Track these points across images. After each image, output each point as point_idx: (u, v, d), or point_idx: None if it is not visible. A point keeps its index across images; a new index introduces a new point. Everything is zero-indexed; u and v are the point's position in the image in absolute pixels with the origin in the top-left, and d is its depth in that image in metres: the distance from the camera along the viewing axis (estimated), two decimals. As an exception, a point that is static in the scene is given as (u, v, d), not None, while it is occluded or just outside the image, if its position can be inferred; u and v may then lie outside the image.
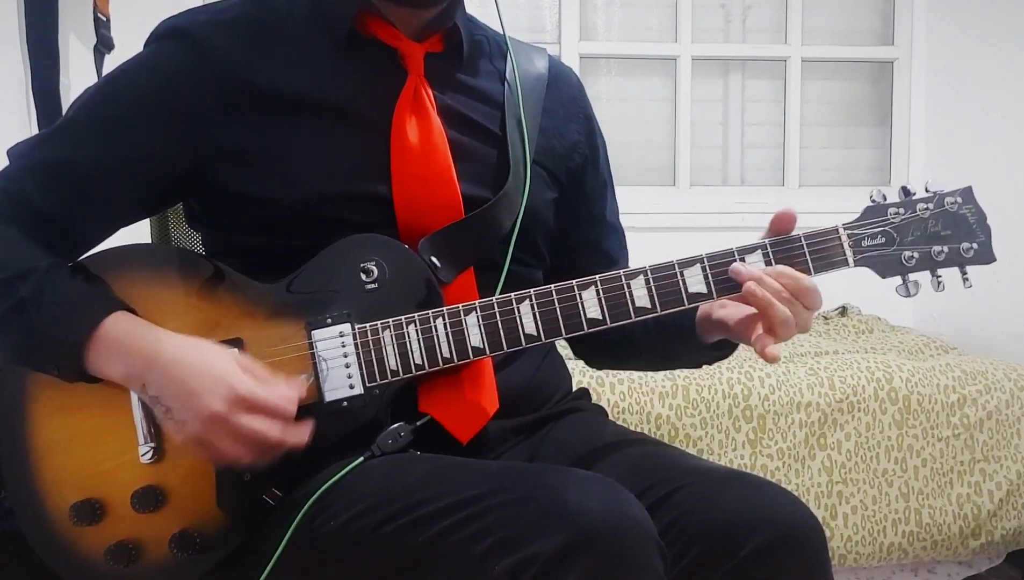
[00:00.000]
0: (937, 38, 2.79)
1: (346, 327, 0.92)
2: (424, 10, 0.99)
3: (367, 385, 0.91)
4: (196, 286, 0.94)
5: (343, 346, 0.91)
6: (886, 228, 0.94)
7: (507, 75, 1.07)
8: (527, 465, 0.95)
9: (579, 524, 0.73)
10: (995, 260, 0.94)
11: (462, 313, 0.92)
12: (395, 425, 0.91)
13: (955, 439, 1.82)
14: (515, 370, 1.02)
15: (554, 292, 0.92)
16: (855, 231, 0.94)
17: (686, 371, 1.79)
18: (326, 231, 0.94)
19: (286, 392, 0.87)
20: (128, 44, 1.16)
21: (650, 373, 1.78)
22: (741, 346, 1.01)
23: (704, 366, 1.14)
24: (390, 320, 0.92)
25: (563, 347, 1.16)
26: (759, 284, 0.90)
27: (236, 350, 0.89)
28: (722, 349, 1.05)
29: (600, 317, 0.92)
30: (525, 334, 0.92)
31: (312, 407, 0.90)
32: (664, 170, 2.87)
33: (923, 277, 0.95)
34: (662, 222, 2.68)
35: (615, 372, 1.75)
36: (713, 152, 2.92)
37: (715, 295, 0.93)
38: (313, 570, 0.87)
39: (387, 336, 0.92)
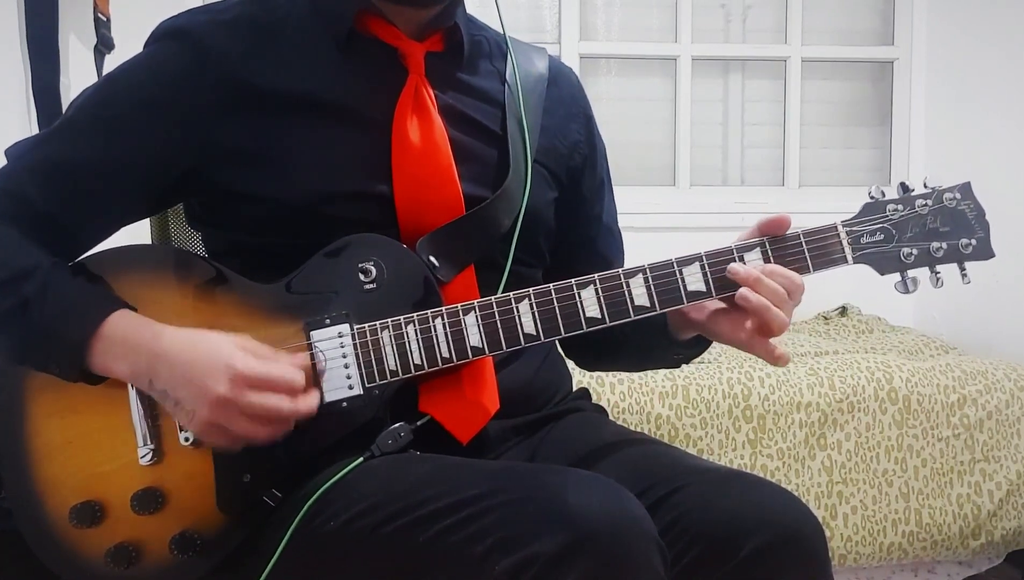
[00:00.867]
0: (937, 38, 2.79)
1: (345, 327, 0.91)
2: (424, 9, 0.99)
3: (366, 385, 0.91)
4: (195, 287, 0.94)
5: (342, 346, 0.91)
6: (885, 225, 0.94)
7: (507, 75, 1.07)
8: (527, 465, 0.95)
9: (579, 524, 0.73)
10: (994, 256, 0.94)
11: (461, 313, 0.92)
12: (395, 425, 0.91)
13: (955, 439, 1.82)
14: (515, 370, 1.02)
15: (553, 291, 0.92)
16: (854, 228, 0.94)
17: (686, 371, 1.79)
18: (327, 230, 0.94)
19: (289, 361, 0.87)
20: (128, 44, 1.16)
21: (650, 373, 1.78)
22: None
23: (683, 366, 1.13)
24: (389, 320, 0.92)
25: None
26: (756, 288, 0.90)
27: (234, 334, 0.89)
28: (697, 346, 1.04)
29: (599, 316, 0.92)
30: (524, 334, 0.92)
31: (312, 407, 0.90)
32: (664, 170, 2.87)
33: (922, 273, 0.95)
34: (662, 222, 2.68)
35: (615, 372, 1.75)
36: (713, 152, 2.92)
37: (714, 294, 0.93)
38: (313, 570, 0.87)
39: (386, 336, 0.92)
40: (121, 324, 0.88)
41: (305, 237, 0.95)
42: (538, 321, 0.92)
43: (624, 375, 1.76)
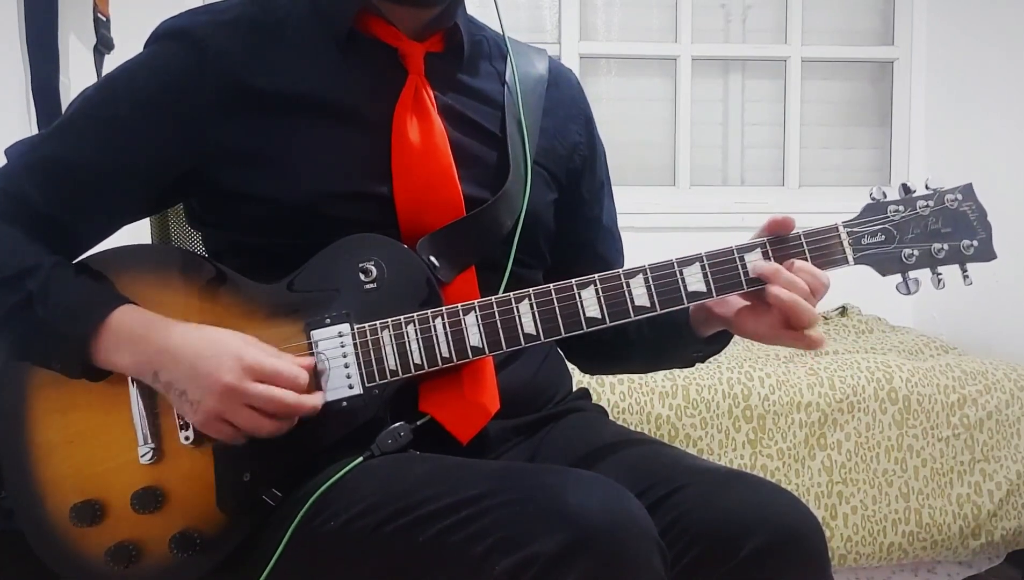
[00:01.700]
0: (937, 38, 2.79)
1: (345, 327, 0.92)
2: (425, 10, 0.99)
3: (366, 385, 0.91)
4: (195, 287, 0.94)
5: (342, 346, 0.91)
6: (886, 226, 0.94)
7: (507, 76, 1.07)
8: (527, 465, 0.95)
9: (579, 524, 0.73)
10: (996, 257, 0.94)
11: (461, 313, 0.92)
12: (395, 425, 0.91)
13: (955, 439, 1.82)
14: (515, 370, 1.02)
15: (553, 291, 0.92)
16: (855, 229, 0.94)
17: (686, 371, 1.79)
18: (327, 231, 0.94)
19: (295, 360, 0.88)
20: (128, 44, 1.16)
21: (650, 373, 1.78)
22: (740, 346, 1.01)
23: (697, 364, 1.13)
24: (389, 320, 0.92)
25: (563, 347, 1.16)
26: (790, 288, 0.90)
27: (240, 332, 0.89)
28: (718, 342, 1.04)
29: (599, 316, 0.92)
30: (524, 334, 0.92)
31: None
32: (664, 170, 2.87)
33: (923, 275, 0.94)
34: (662, 222, 2.68)
35: (621, 374, 1.75)
36: (713, 152, 2.92)
37: (714, 294, 0.93)
38: (313, 570, 0.87)
39: (386, 336, 0.92)
40: (127, 318, 0.89)
41: (305, 237, 0.95)
42: (538, 321, 0.92)
43: (624, 375, 1.76)
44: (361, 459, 0.89)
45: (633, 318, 0.92)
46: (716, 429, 1.75)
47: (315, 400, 0.88)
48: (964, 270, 0.94)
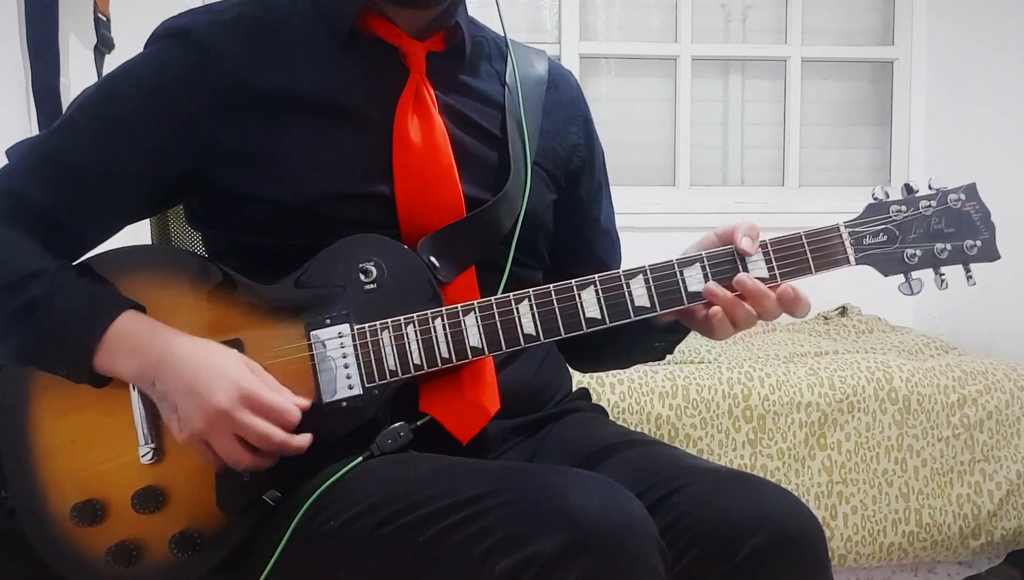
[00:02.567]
0: (937, 38, 2.79)
1: (345, 327, 0.92)
2: (426, 10, 0.99)
3: (366, 385, 0.91)
4: (196, 287, 0.94)
5: (342, 346, 0.91)
6: (888, 226, 0.94)
7: (507, 77, 1.07)
8: (527, 465, 0.95)
9: (579, 524, 0.73)
10: (999, 257, 0.93)
11: (461, 313, 0.92)
12: (395, 425, 0.91)
13: (955, 439, 1.82)
14: (515, 370, 1.02)
15: (553, 292, 0.92)
16: (856, 229, 0.94)
17: (686, 371, 1.79)
18: (328, 231, 0.94)
19: (291, 398, 0.87)
20: (128, 44, 1.16)
21: (650, 373, 1.78)
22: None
23: (681, 364, 1.13)
24: (389, 320, 0.92)
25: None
26: (756, 303, 0.91)
27: (244, 355, 0.90)
28: (676, 331, 1.04)
29: (599, 317, 0.92)
30: (524, 334, 0.92)
31: (311, 408, 0.90)
32: (664, 170, 2.87)
33: (926, 275, 0.94)
34: (662, 222, 2.68)
35: (615, 372, 1.75)
36: (713, 152, 2.92)
37: (715, 294, 0.93)
38: (313, 570, 0.87)
39: (386, 336, 0.92)
40: (130, 325, 0.89)
41: (306, 237, 0.95)
42: (538, 322, 0.92)
43: (624, 375, 1.76)
44: (361, 459, 0.89)
45: (633, 318, 0.92)
46: (716, 429, 1.75)
47: (301, 441, 0.87)
48: (968, 270, 0.94)
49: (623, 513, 0.76)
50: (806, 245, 0.93)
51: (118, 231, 1.02)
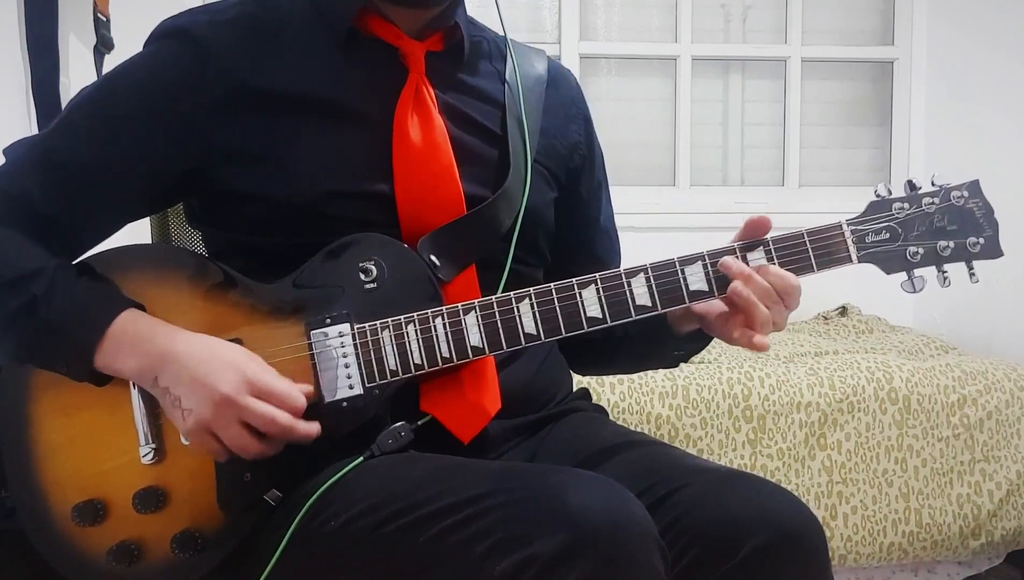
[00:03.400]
0: (937, 38, 2.79)
1: (345, 327, 0.91)
2: (425, 10, 0.99)
3: (367, 385, 0.91)
4: (195, 286, 0.94)
5: (342, 346, 0.91)
6: (890, 223, 0.93)
7: (507, 76, 1.07)
8: (528, 465, 0.95)
9: (579, 524, 0.73)
10: (1002, 254, 0.93)
11: (461, 312, 0.92)
12: (396, 425, 0.91)
13: (955, 439, 1.82)
14: (516, 370, 1.02)
15: (554, 291, 0.92)
16: (859, 227, 0.93)
17: (686, 371, 1.79)
18: (328, 230, 0.94)
19: (295, 385, 0.88)
20: (128, 44, 1.16)
21: (650, 373, 1.78)
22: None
23: (682, 364, 1.13)
24: (389, 320, 0.92)
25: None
26: (746, 283, 0.90)
27: (246, 351, 0.90)
28: (697, 341, 1.04)
29: (600, 316, 0.92)
30: (525, 333, 0.92)
31: (312, 407, 0.90)
32: (664, 170, 2.87)
33: (929, 273, 0.94)
34: (662, 222, 2.68)
35: (611, 375, 1.75)
36: (713, 152, 2.92)
37: (716, 293, 0.93)
38: (313, 570, 0.87)
39: (386, 336, 0.92)
40: (131, 323, 0.89)
41: (306, 236, 0.95)
42: (539, 321, 0.92)
43: (624, 375, 1.76)
44: (361, 459, 0.89)
45: (634, 318, 0.92)
46: (716, 429, 1.75)
47: (308, 427, 0.87)
48: (971, 268, 0.93)
49: (623, 513, 0.76)
50: (808, 243, 0.93)
51: (118, 230, 1.02)
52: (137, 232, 1.09)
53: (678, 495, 0.88)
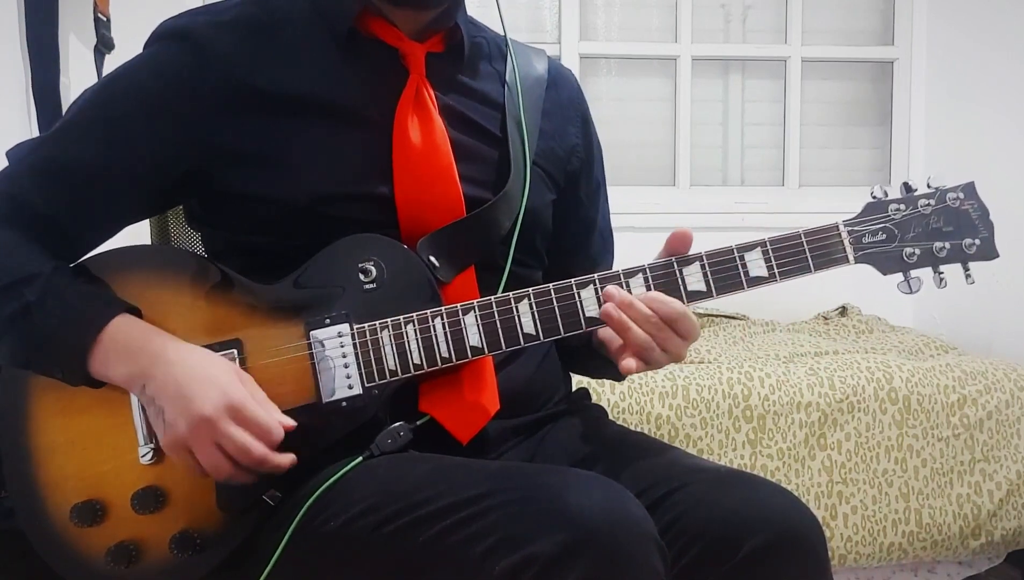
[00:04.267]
0: (937, 38, 2.79)
1: (344, 327, 0.92)
2: (425, 11, 0.99)
3: (366, 385, 0.91)
4: (195, 287, 0.94)
5: (342, 346, 0.91)
6: (887, 224, 0.94)
7: (507, 77, 1.07)
8: (527, 465, 0.95)
9: (579, 524, 0.73)
10: (998, 256, 0.94)
11: (460, 313, 0.92)
12: (395, 425, 0.92)
13: (955, 439, 1.82)
14: (515, 370, 1.02)
15: (552, 291, 0.92)
16: (855, 228, 0.94)
17: (686, 371, 1.79)
18: (328, 231, 0.94)
19: (278, 416, 0.87)
20: (128, 44, 1.16)
21: (650, 373, 1.78)
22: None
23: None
24: (388, 320, 0.92)
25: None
26: (626, 310, 0.90)
27: (238, 364, 0.90)
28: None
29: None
30: (524, 334, 0.92)
31: (311, 407, 0.90)
32: (664, 170, 2.87)
33: (925, 274, 0.94)
34: (662, 222, 2.67)
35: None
36: (713, 152, 2.92)
37: (715, 294, 0.93)
38: (313, 570, 0.87)
39: (385, 336, 0.92)
40: (123, 329, 0.88)
41: (305, 237, 0.95)
42: (537, 321, 0.92)
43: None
44: (361, 459, 0.89)
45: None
46: (716, 429, 1.75)
47: (282, 460, 0.86)
48: (967, 269, 0.94)
49: (622, 513, 0.76)
50: (805, 244, 0.93)
51: (118, 232, 1.02)
52: (137, 233, 1.09)
53: (678, 495, 0.88)
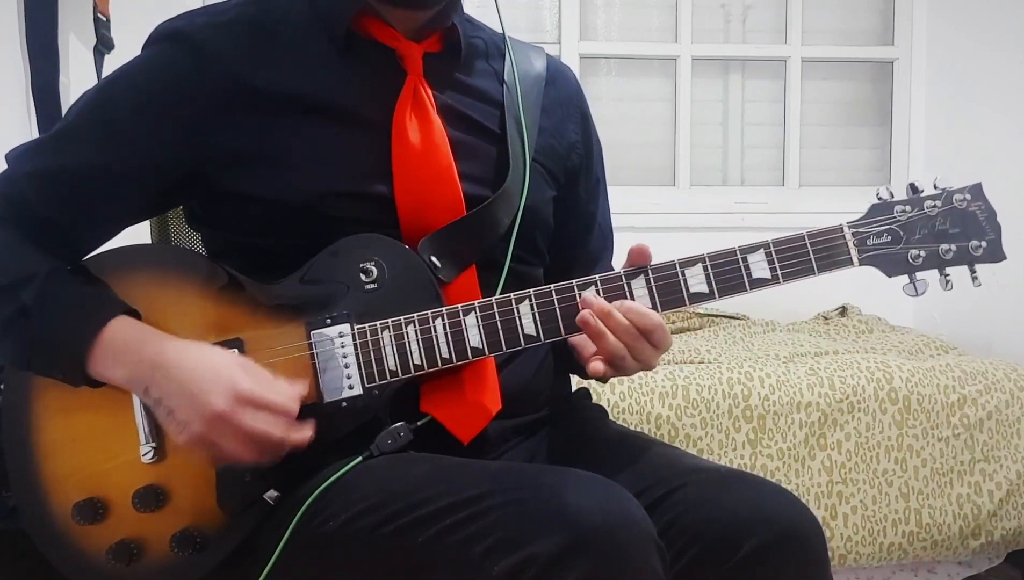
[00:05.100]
0: (937, 38, 2.79)
1: (345, 327, 0.92)
2: (422, 11, 0.99)
3: (366, 385, 0.91)
4: (196, 286, 0.94)
5: (342, 346, 0.91)
6: (892, 226, 0.93)
7: (505, 75, 1.07)
8: (526, 465, 0.96)
9: (578, 524, 0.73)
10: (1005, 258, 0.93)
11: (461, 313, 0.92)
12: (395, 425, 0.92)
13: (955, 439, 1.82)
14: (515, 370, 1.02)
15: (554, 292, 0.92)
16: (860, 230, 0.93)
17: (686, 371, 1.79)
18: (328, 231, 0.94)
19: (288, 391, 0.87)
20: (128, 44, 1.16)
21: (650, 373, 1.78)
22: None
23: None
24: (389, 320, 0.92)
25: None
26: (604, 319, 0.90)
27: (237, 352, 0.90)
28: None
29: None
30: (524, 334, 0.92)
31: (311, 408, 0.90)
32: (664, 170, 2.87)
33: (931, 276, 0.93)
34: (662, 222, 2.68)
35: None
36: (713, 152, 2.92)
37: (717, 295, 0.93)
38: (313, 570, 0.87)
39: (386, 336, 0.92)
40: (120, 331, 0.88)
41: (306, 238, 0.95)
42: (538, 322, 0.92)
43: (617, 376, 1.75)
44: (361, 459, 0.89)
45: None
46: (716, 429, 1.75)
47: (302, 435, 0.87)
48: (973, 271, 0.93)
49: (622, 514, 0.76)
50: (809, 246, 0.92)
51: (119, 232, 1.02)
52: (137, 233, 1.09)
53: (677, 495, 0.88)
